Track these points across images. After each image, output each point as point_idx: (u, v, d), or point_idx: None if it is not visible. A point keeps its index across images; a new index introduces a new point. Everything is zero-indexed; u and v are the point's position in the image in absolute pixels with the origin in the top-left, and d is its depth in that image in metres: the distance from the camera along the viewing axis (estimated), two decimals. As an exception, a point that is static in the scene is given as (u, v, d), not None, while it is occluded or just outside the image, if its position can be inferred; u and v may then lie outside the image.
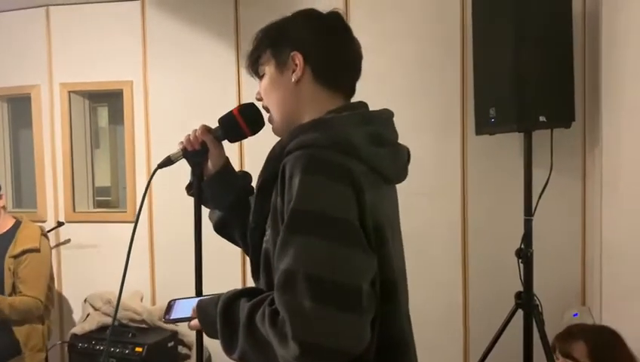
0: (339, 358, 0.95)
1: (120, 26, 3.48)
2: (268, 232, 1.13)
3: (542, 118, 2.47)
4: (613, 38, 2.46)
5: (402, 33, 3.06)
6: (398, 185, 1.26)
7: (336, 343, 0.94)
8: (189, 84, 3.40)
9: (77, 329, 3.21)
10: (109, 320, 3.24)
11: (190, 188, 1.41)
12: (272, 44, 1.23)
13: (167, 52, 3.43)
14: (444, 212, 3.03)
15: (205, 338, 1.24)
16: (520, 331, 2.55)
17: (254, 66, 1.26)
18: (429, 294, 2.94)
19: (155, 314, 3.23)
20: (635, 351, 1.98)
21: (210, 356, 3.14)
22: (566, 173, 2.83)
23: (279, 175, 1.06)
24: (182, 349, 3.27)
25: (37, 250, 3.02)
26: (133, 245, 1.31)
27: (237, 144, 2.86)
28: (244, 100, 3.24)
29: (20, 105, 3.80)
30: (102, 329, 3.21)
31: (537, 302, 2.54)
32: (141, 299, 3.43)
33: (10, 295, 2.92)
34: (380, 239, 1.07)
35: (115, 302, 3.27)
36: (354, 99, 1.26)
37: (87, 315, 3.32)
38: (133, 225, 1.38)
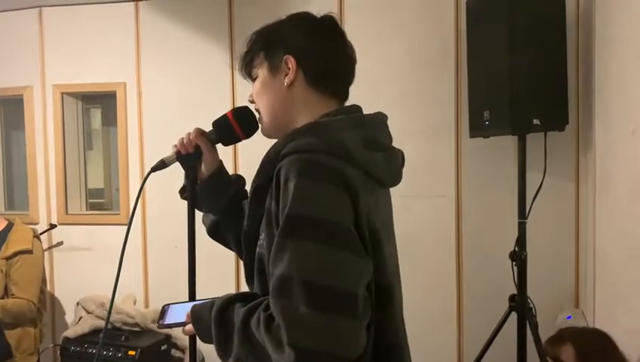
0: None
1: (113, 28, 3.47)
2: (262, 236, 1.12)
3: (536, 121, 2.48)
4: (606, 41, 2.47)
5: (396, 35, 3.06)
6: (391, 188, 1.26)
7: (332, 349, 0.93)
8: (183, 85, 3.39)
9: (69, 333, 3.19)
10: (101, 323, 3.22)
11: (184, 192, 1.40)
12: (265, 47, 1.22)
13: (161, 54, 3.42)
14: (438, 214, 3.04)
15: (198, 341, 1.23)
16: (514, 334, 2.55)
17: (247, 68, 1.26)
18: (423, 297, 2.94)
19: (148, 317, 3.22)
20: (628, 354, 1.98)
21: (203, 359, 3.13)
22: (560, 175, 2.84)
23: (274, 179, 1.05)
24: (175, 352, 3.26)
25: (29, 252, 3.00)
26: (126, 247, 1.31)
27: (231, 147, 2.86)
28: (238, 102, 3.24)
29: (13, 107, 3.78)
30: (94, 332, 3.19)
31: (531, 305, 2.55)
32: (134, 302, 3.41)
33: (2, 297, 2.90)
34: (375, 243, 1.06)
35: (107, 305, 3.25)
36: (347, 103, 1.26)
37: (80, 318, 3.30)
38: (125, 227, 1.37)
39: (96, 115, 3.84)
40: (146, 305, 3.46)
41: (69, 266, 3.58)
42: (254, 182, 1.15)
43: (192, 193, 1.36)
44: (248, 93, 1.30)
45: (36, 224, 3.51)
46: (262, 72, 1.23)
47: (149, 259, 3.46)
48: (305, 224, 0.98)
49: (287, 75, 1.19)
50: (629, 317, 2.20)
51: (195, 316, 1.16)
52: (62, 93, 3.57)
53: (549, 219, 2.86)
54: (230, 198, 1.38)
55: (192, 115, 3.27)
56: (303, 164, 1.01)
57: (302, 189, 0.99)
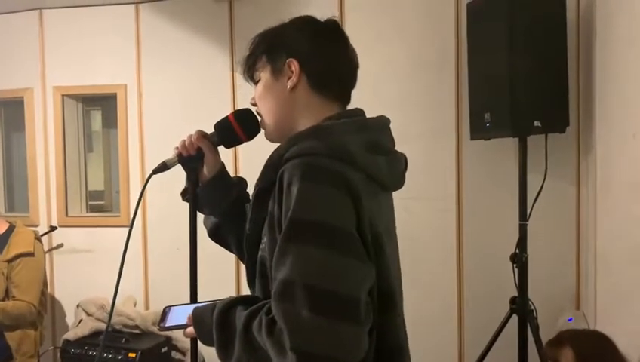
0: None
1: (114, 30, 3.47)
2: (264, 240, 1.12)
3: (536, 123, 2.48)
4: (607, 42, 2.47)
5: (397, 37, 3.06)
6: (394, 191, 1.26)
7: (334, 353, 0.93)
8: (183, 87, 3.39)
9: (69, 335, 3.18)
10: (102, 325, 3.22)
11: (185, 194, 1.40)
12: (268, 50, 1.22)
13: (162, 56, 3.42)
14: (438, 216, 3.03)
15: (200, 344, 1.23)
16: (515, 336, 2.55)
17: (250, 71, 1.26)
18: (423, 299, 2.94)
19: (148, 320, 3.22)
20: (630, 356, 1.98)
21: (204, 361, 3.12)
22: (560, 177, 2.83)
23: (277, 182, 1.05)
24: (175, 354, 3.26)
25: (31, 254, 2.99)
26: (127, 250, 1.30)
27: (232, 149, 2.85)
28: (239, 104, 3.24)
29: (13, 109, 3.78)
30: (95, 334, 3.19)
31: (532, 307, 2.54)
32: (134, 305, 3.41)
33: (3, 300, 2.89)
34: (377, 247, 1.06)
35: (108, 308, 3.25)
36: (349, 105, 1.26)
37: (80, 320, 3.30)
38: (126, 229, 1.37)
39: (97, 117, 3.84)
40: (147, 307, 3.46)
41: (69, 268, 3.57)
42: (257, 185, 1.14)
43: (193, 195, 1.36)
44: (249, 94, 1.30)
45: (36, 226, 3.51)
46: (264, 75, 1.23)
47: (149, 261, 3.46)
48: (307, 228, 0.97)
49: (290, 78, 1.19)
50: (630, 319, 2.20)
51: (197, 319, 1.16)
52: (62, 95, 3.57)
53: (550, 221, 2.85)
54: (232, 201, 1.37)
55: (192, 117, 3.26)
56: (306, 167, 1.01)
57: (305, 193, 0.98)
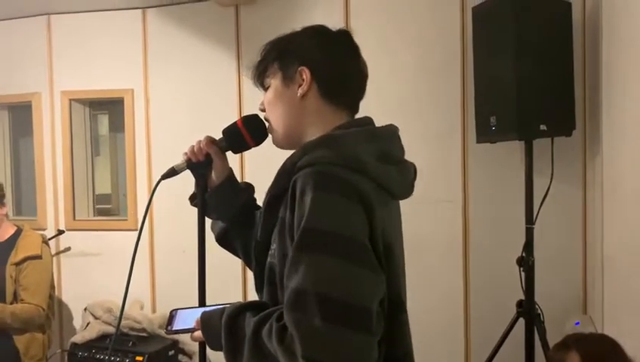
0: None
1: (121, 34, 3.49)
2: (273, 246, 1.13)
3: (542, 127, 2.47)
4: (613, 46, 2.47)
5: (402, 42, 3.07)
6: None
7: None
8: (190, 92, 3.40)
9: (77, 338, 3.20)
10: (109, 328, 3.23)
11: (194, 199, 1.41)
12: (280, 57, 1.23)
13: (168, 60, 3.44)
14: (445, 220, 3.03)
15: (208, 348, 1.24)
16: (521, 340, 2.54)
17: (260, 78, 1.27)
18: (430, 302, 2.93)
19: (155, 323, 3.22)
20: (637, 359, 1.97)
21: (211, 365, 3.13)
22: (567, 181, 2.83)
23: (289, 190, 1.06)
24: (182, 358, 3.26)
25: (38, 257, 3.01)
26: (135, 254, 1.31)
27: (237, 155, 2.86)
28: (245, 108, 3.26)
29: (21, 113, 3.81)
30: (102, 337, 3.20)
31: (539, 311, 2.54)
32: (141, 308, 3.42)
33: (11, 303, 2.91)
34: (388, 256, 1.07)
35: (115, 311, 3.26)
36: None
37: (88, 324, 3.31)
38: (133, 232, 1.38)
39: (104, 121, 3.86)
40: (153, 311, 3.47)
41: (76, 272, 3.59)
42: (269, 192, 1.15)
43: (202, 201, 1.37)
44: (256, 99, 1.31)
45: (44, 230, 3.53)
46: (275, 81, 1.23)
47: (156, 265, 3.47)
48: (320, 238, 0.98)
49: (300, 85, 1.19)
50: (638, 323, 2.19)
51: (205, 323, 1.16)
52: (70, 100, 3.60)
53: (557, 225, 2.85)
54: (239, 206, 1.38)
55: (198, 121, 3.29)
56: (319, 177, 1.02)
57: (318, 203, 0.99)
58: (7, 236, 3.06)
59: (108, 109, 3.79)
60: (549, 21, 2.53)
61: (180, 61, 3.41)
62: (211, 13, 3.32)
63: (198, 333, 1.18)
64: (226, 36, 3.31)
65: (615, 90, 2.46)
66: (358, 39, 1.27)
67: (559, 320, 2.76)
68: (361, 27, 3.06)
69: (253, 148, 1.36)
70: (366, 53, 1.28)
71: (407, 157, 1.25)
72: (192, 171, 1.36)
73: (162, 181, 1.33)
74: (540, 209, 2.58)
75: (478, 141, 2.75)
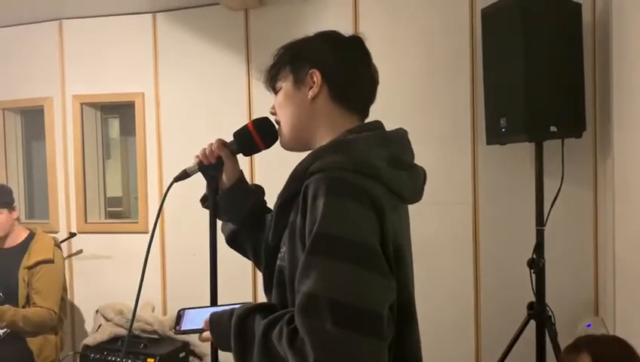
0: None
1: (132, 39, 3.53)
2: (283, 249, 1.13)
3: (553, 128, 2.46)
4: (623, 47, 2.45)
5: (412, 44, 3.07)
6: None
7: None
8: (200, 95, 3.42)
9: (89, 340, 3.22)
10: (121, 330, 3.25)
11: (205, 201, 1.42)
12: (291, 60, 1.24)
13: (179, 64, 3.46)
14: (455, 222, 3.03)
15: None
16: (532, 342, 2.53)
17: (272, 81, 1.28)
18: (440, 305, 2.93)
19: (166, 325, 3.24)
20: (650, 363, 1.95)
21: (221, 366, 3.14)
22: (577, 182, 2.82)
23: (301, 194, 1.06)
24: (193, 360, 3.28)
25: (51, 261, 3.04)
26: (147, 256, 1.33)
27: (248, 158, 2.88)
28: (255, 112, 3.27)
29: (33, 117, 3.85)
30: (114, 339, 3.22)
31: (550, 313, 2.52)
32: (152, 310, 3.44)
33: (24, 306, 2.94)
34: (399, 260, 1.08)
35: (126, 313, 3.29)
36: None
37: (99, 326, 3.34)
38: (144, 235, 1.40)
39: (115, 125, 3.89)
40: (164, 313, 3.49)
41: (88, 274, 3.62)
42: (280, 197, 1.16)
43: (213, 203, 1.39)
44: (265, 102, 1.32)
45: (56, 232, 3.57)
46: (286, 84, 1.24)
47: (167, 267, 3.49)
48: (332, 242, 0.98)
49: (311, 88, 1.20)
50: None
51: (214, 324, 1.17)
52: (81, 104, 3.63)
53: (568, 226, 2.83)
54: (250, 208, 1.39)
55: (208, 124, 3.31)
56: (331, 182, 1.02)
57: (330, 208, 1.00)
58: (19, 240, 3.10)
59: (119, 113, 3.82)
60: (559, 22, 2.52)
61: (190, 65, 3.43)
62: (221, 17, 3.34)
63: (207, 334, 1.18)
64: (235, 40, 3.33)
65: (626, 91, 2.44)
66: (367, 42, 1.28)
67: (571, 322, 2.74)
68: (370, 30, 3.06)
69: (263, 151, 1.37)
70: (375, 56, 1.28)
71: (418, 159, 1.25)
72: (203, 174, 1.38)
73: (174, 183, 1.35)
74: (550, 210, 2.57)
75: (488, 143, 2.75)
